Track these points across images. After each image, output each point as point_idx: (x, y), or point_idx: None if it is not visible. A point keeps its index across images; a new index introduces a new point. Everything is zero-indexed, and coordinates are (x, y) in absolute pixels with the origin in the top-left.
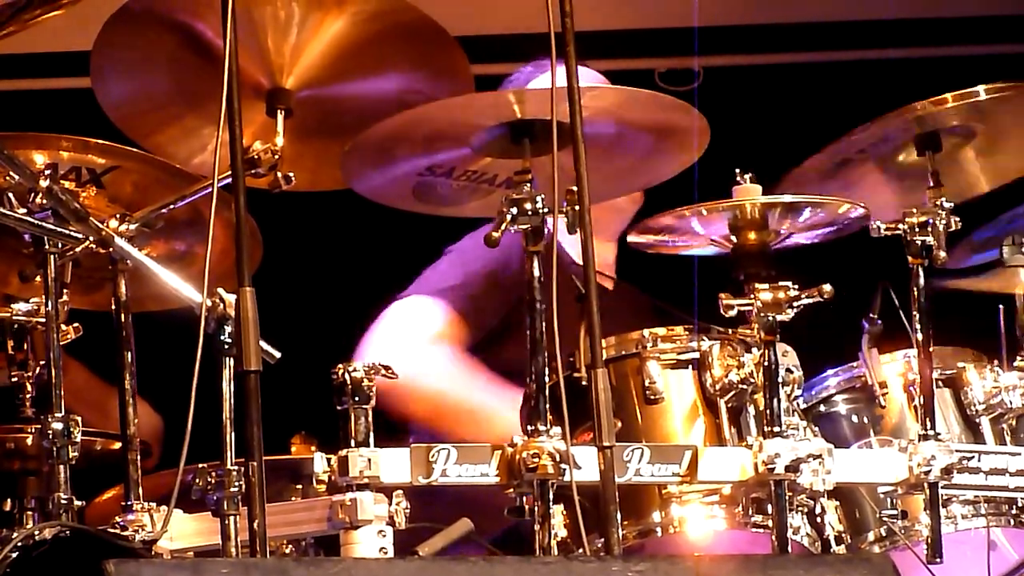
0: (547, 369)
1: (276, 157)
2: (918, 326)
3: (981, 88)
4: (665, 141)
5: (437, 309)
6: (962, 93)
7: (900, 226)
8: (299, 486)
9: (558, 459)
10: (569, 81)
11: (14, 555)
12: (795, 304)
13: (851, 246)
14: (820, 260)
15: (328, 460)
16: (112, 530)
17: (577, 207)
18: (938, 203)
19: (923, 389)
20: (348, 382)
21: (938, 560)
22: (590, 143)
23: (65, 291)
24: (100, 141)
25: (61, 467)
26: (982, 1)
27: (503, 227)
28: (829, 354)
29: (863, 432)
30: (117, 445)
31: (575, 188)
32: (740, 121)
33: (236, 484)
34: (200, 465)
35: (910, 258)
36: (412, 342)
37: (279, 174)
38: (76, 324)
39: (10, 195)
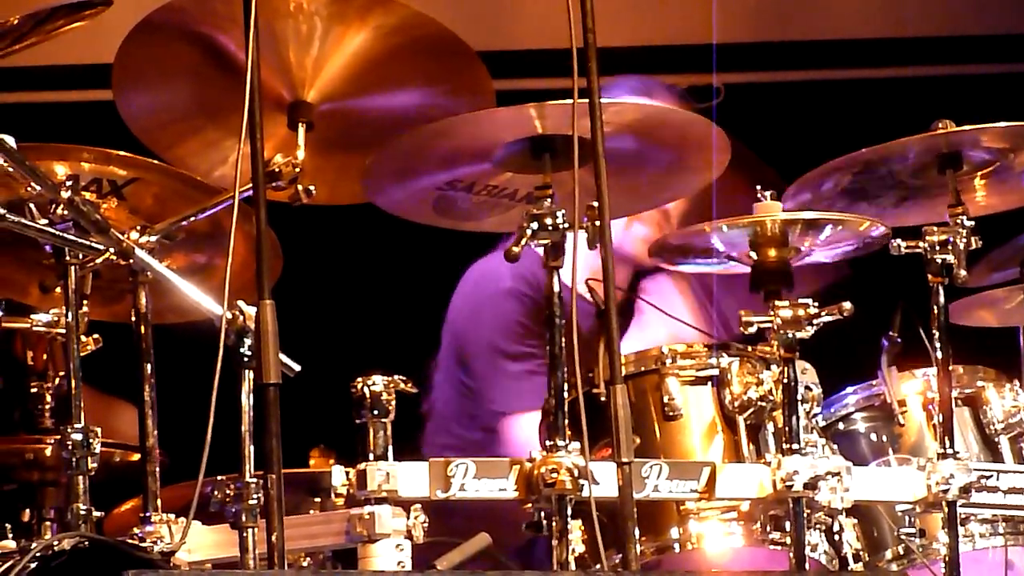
0: (566, 384)
1: (297, 170)
2: (938, 344)
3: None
4: (686, 157)
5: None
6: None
7: (920, 244)
8: (317, 499)
9: (576, 475)
10: (591, 97)
11: (33, 566)
12: (815, 321)
13: (871, 264)
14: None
15: (347, 473)
16: (131, 541)
17: (598, 223)
18: (958, 221)
19: (942, 407)
20: (367, 395)
21: None
22: (611, 159)
23: (85, 302)
24: (121, 153)
25: (80, 478)
26: (1004, 21)
27: (523, 242)
28: (848, 372)
29: (882, 450)
30: (136, 456)
31: (596, 203)
32: (761, 138)
33: (255, 497)
34: (219, 477)
35: (930, 276)
36: None
37: (300, 187)
38: (96, 335)
39: (31, 206)
